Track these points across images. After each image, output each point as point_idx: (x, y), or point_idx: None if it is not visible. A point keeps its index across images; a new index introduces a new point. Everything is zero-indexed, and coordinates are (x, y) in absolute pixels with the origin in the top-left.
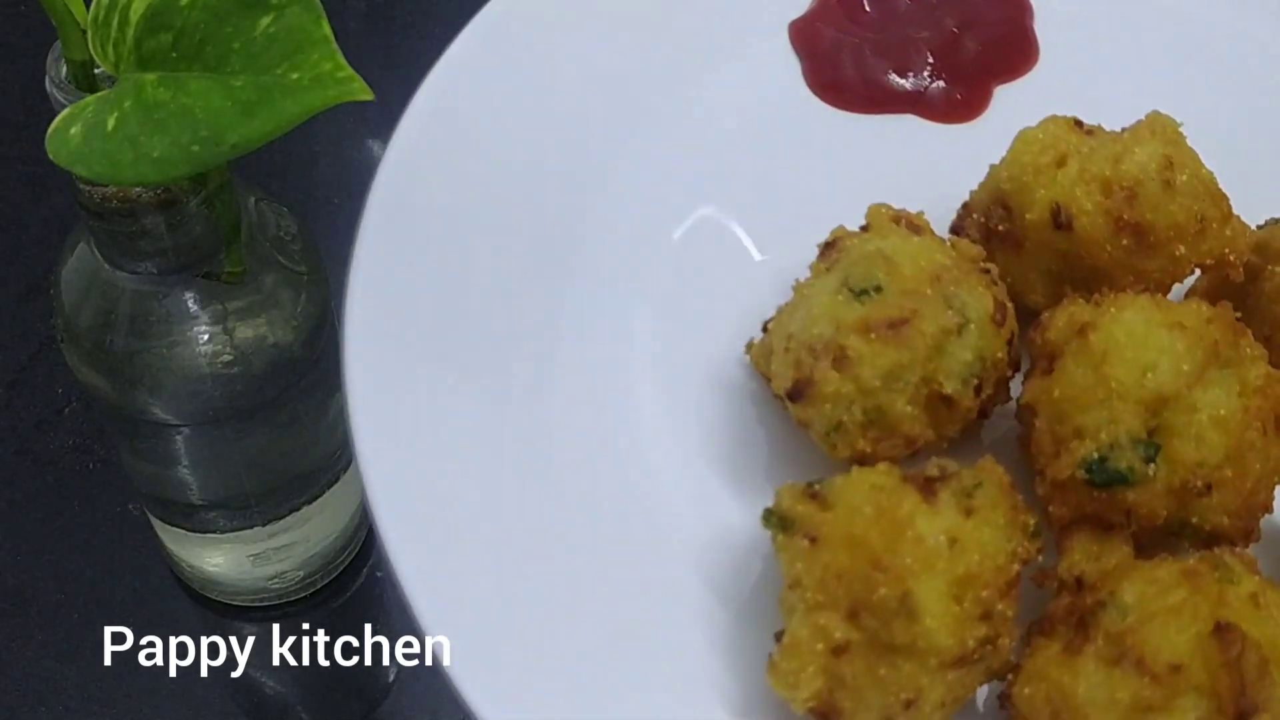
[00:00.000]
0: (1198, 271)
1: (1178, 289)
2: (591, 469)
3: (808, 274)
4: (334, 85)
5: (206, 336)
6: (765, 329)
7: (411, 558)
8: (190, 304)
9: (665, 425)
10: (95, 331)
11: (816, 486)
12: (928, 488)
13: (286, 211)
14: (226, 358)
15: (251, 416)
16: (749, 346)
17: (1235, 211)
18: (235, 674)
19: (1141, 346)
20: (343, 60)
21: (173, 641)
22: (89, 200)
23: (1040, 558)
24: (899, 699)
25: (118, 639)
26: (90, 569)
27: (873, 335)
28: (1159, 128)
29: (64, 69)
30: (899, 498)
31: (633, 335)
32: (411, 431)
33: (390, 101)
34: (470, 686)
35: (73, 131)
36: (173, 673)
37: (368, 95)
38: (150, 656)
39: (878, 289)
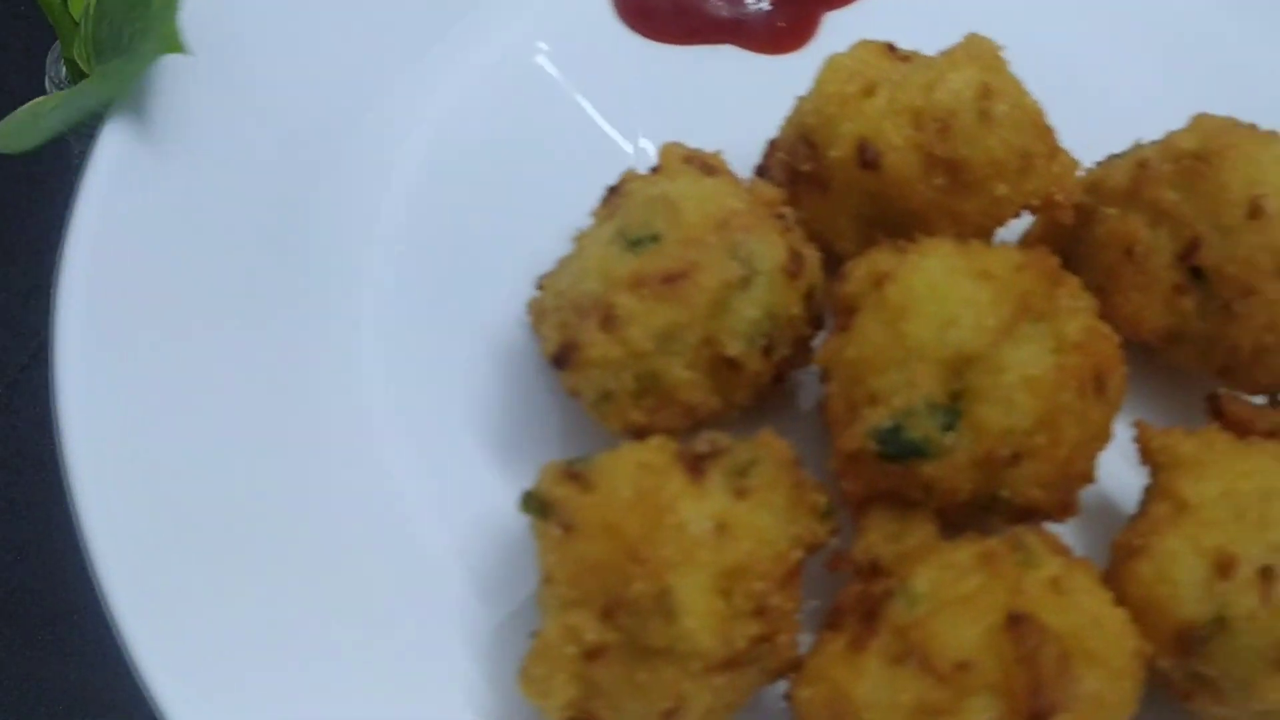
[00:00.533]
0: (1028, 216)
1: (1010, 235)
2: (335, 450)
3: (590, 222)
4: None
5: None
6: (540, 286)
7: (125, 579)
8: None
9: (425, 396)
10: None
11: (579, 465)
12: (696, 466)
13: None
14: None
15: None
16: (530, 305)
17: (1068, 148)
18: None
19: (942, 299)
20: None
21: None
22: None
23: (835, 539)
24: (659, 708)
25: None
26: (83, 572)
27: (645, 291)
28: (976, 51)
29: (63, 69)
30: (665, 479)
31: (388, 297)
32: (126, 424)
33: None
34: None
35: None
36: None
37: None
38: None
39: (655, 239)
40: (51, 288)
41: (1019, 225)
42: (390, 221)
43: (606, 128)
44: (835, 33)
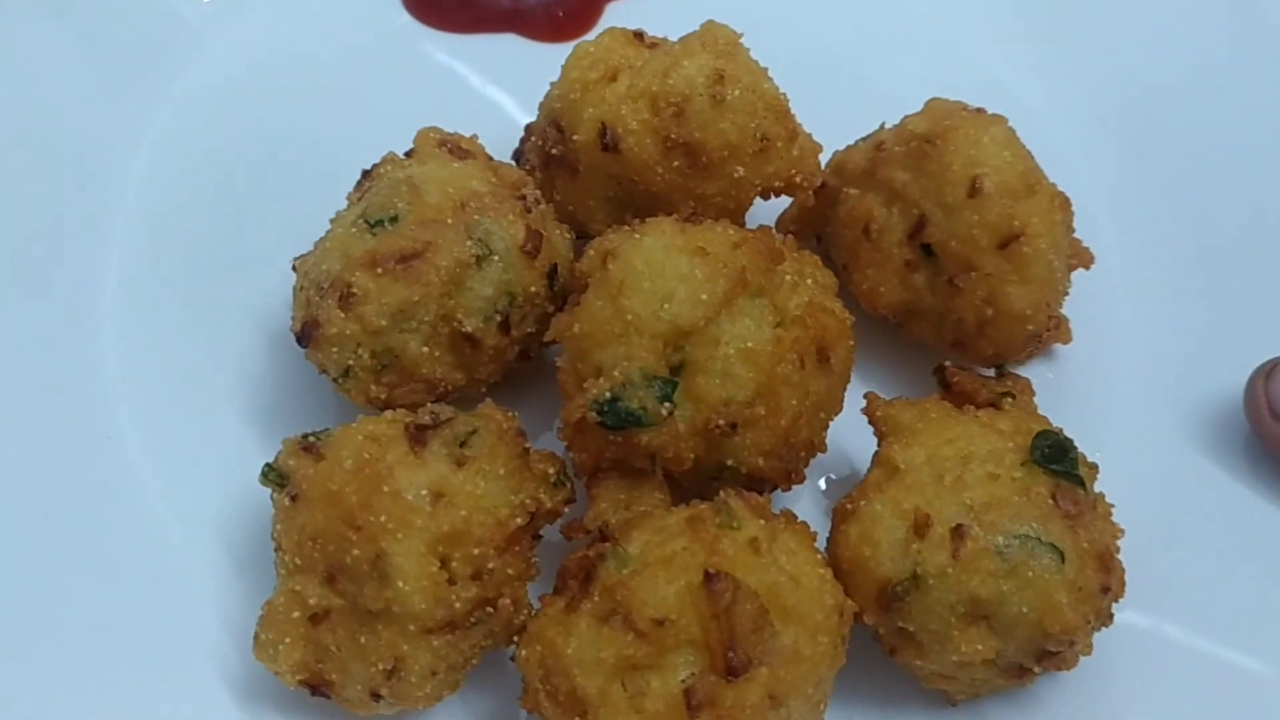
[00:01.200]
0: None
1: (769, 218)
2: (82, 428)
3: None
4: None
5: None
6: (294, 267)
7: None
8: None
9: (188, 377)
10: None
11: (314, 437)
12: (418, 437)
13: None
14: None
15: None
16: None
17: (822, 136)
18: None
19: (658, 275)
20: None
21: None
22: None
23: (569, 509)
24: (380, 668)
25: None
26: None
27: (380, 270)
28: (711, 38)
29: None
30: (387, 449)
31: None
32: None
33: None
34: None
35: None
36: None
37: None
38: None
39: (394, 219)
40: None
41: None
42: (153, 205)
43: (384, 114)
44: (618, 22)
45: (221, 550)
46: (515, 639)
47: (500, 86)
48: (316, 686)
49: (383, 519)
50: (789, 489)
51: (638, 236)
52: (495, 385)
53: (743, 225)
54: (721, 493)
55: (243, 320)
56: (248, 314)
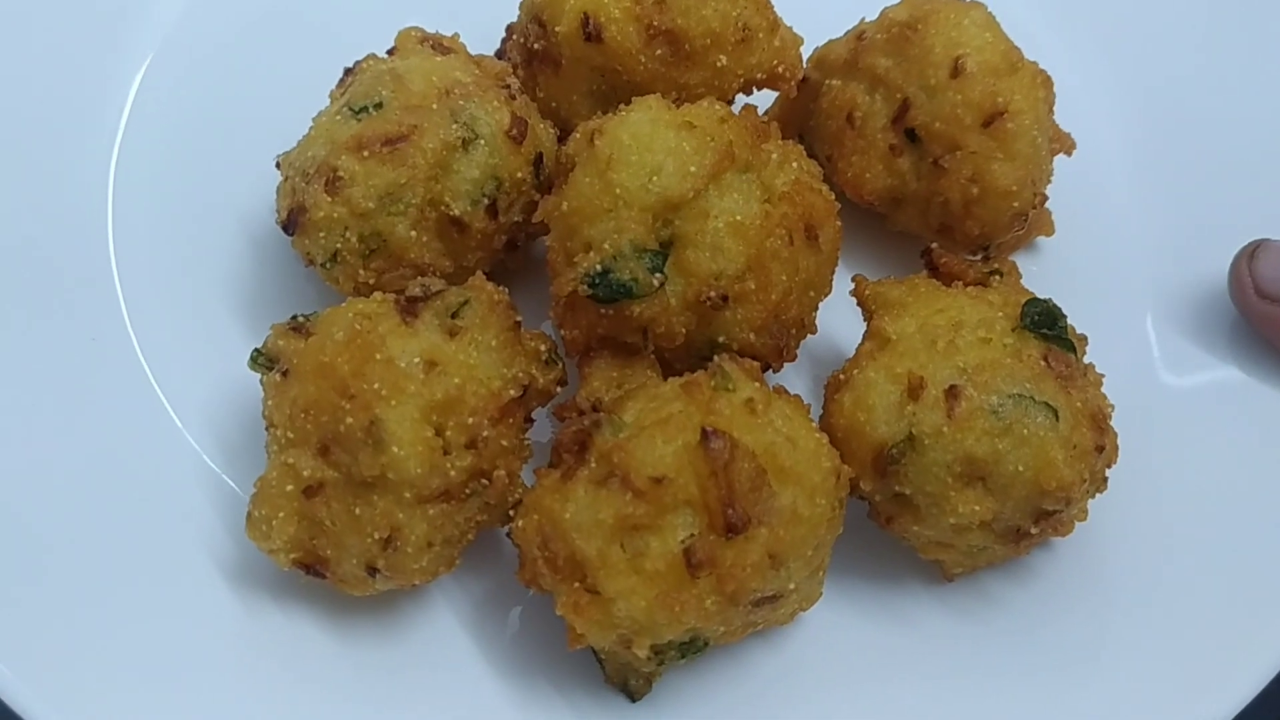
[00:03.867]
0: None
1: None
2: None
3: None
4: None
5: None
6: (278, 164)
7: None
8: None
9: (179, 280)
10: None
11: (303, 318)
12: (409, 309)
13: None
14: None
15: None
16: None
17: (803, 32)
18: None
19: (646, 148)
20: None
21: None
22: None
23: (562, 389)
24: (376, 539)
25: None
26: None
27: (365, 154)
28: None
29: None
30: (377, 322)
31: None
32: None
33: None
34: None
35: None
36: None
37: None
38: None
39: (378, 106)
40: None
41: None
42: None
43: (362, 18)
44: None
45: (212, 441)
46: (511, 515)
47: None
48: (311, 565)
49: (375, 386)
50: (780, 367)
51: (623, 114)
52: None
53: None
54: (716, 358)
55: (229, 223)
56: (234, 217)
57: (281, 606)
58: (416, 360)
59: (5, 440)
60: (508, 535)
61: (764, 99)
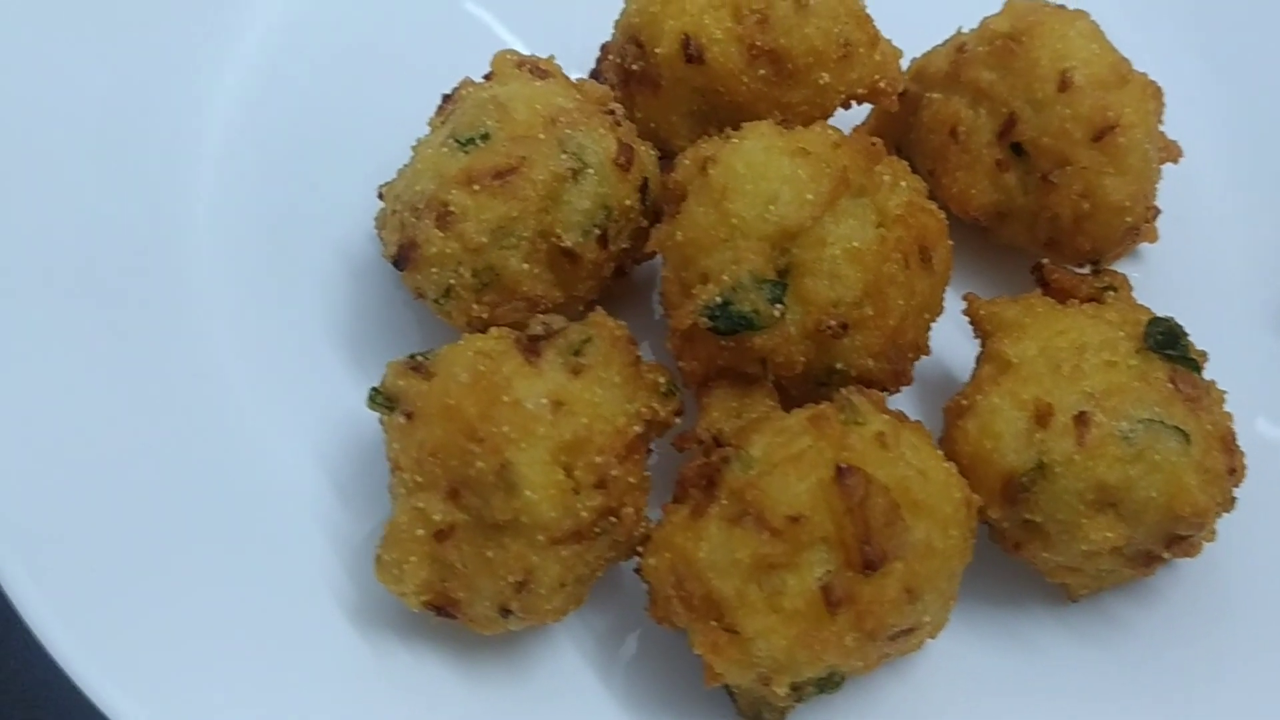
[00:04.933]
0: (863, 109)
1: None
2: (185, 365)
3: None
4: None
5: None
6: (380, 195)
7: None
8: None
9: (278, 317)
10: None
11: (421, 358)
12: (531, 348)
13: None
14: None
15: None
16: (377, 218)
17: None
18: None
19: (762, 177)
20: None
21: None
22: None
23: (680, 420)
24: (509, 581)
25: None
26: None
27: (477, 187)
28: None
29: None
30: (501, 362)
31: (219, 209)
32: None
33: None
34: (50, 626)
35: None
36: None
37: None
38: None
39: (485, 137)
40: None
41: (855, 119)
42: (234, 138)
43: (447, 41)
44: None
45: (324, 478)
46: (638, 550)
47: (562, 12)
48: (442, 607)
49: (505, 429)
50: (897, 391)
51: (736, 140)
52: (590, 303)
53: None
54: (843, 390)
55: (326, 254)
56: (331, 248)
57: (408, 646)
58: (544, 401)
59: (118, 484)
60: (636, 571)
61: (852, 113)
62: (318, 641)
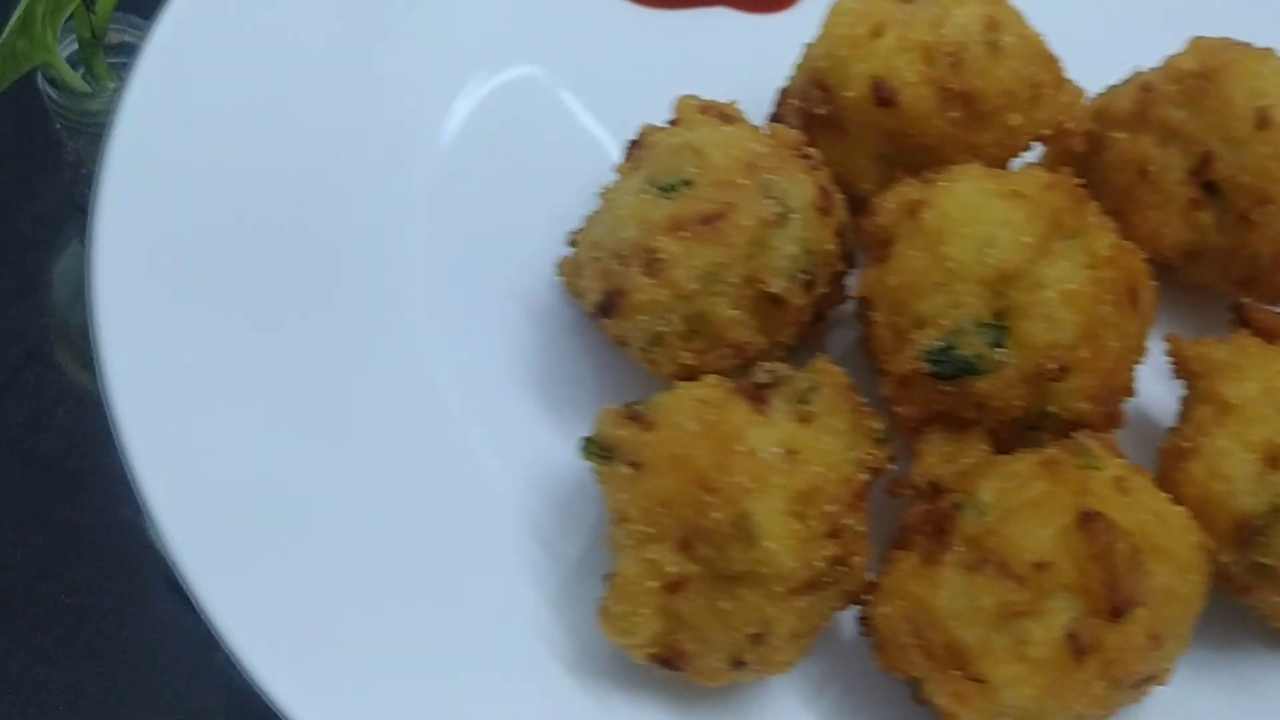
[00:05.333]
0: (1037, 148)
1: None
2: (385, 424)
3: (616, 179)
4: None
5: None
6: (572, 242)
7: (192, 549)
8: None
9: (470, 365)
10: (88, 331)
11: (638, 407)
12: (757, 396)
13: None
14: None
15: None
16: (560, 265)
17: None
18: (230, 678)
19: (977, 220)
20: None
21: (166, 645)
22: (82, 198)
23: (892, 466)
24: (745, 634)
25: (110, 642)
26: (83, 572)
27: (684, 234)
28: None
29: None
30: (727, 410)
31: (422, 266)
32: (177, 390)
33: None
34: (273, 678)
35: None
36: (166, 676)
37: None
38: (143, 660)
39: (687, 183)
40: (44, 287)
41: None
42: (421, 191)
43: (614, 89)
44: None
45: (524, 527)
46: (862, 601)
47: (725, 58)
48: (669, 659)
49: (740, 478)
50: (1109, 433)
51: (946, 184)
52: (788, 347)
53: None
54: (1077, 434)
55: (511, 300)
56: (514, 293)
57: (627, 695)
58: (777, 450)
59: (331, 535)
60: (860, 620)
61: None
62: (538, 693)
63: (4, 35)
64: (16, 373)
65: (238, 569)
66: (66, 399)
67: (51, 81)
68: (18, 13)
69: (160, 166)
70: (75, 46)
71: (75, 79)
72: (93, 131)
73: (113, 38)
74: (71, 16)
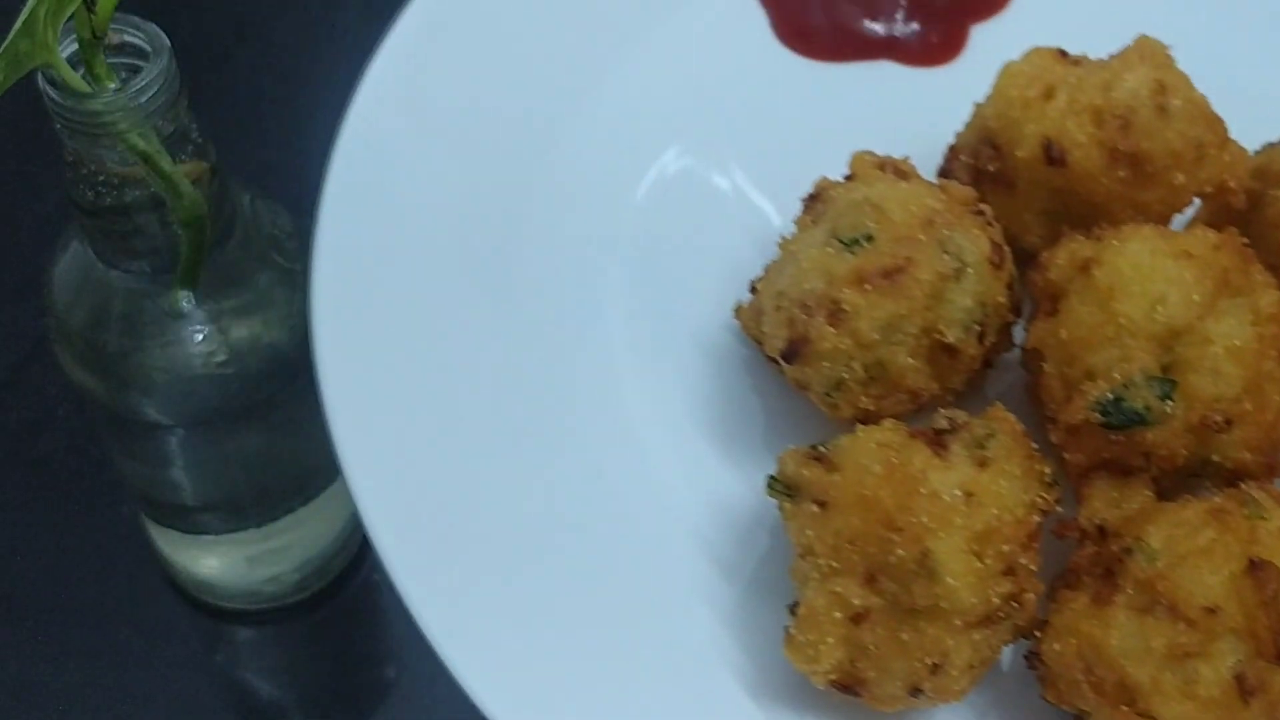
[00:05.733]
0: (1196, 202)
1: (1177, 222)
2: (579, 450)
3: (793, 230)
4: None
5: (200, 336)
6: (753, 290)
7: (405, 558)
8: (184, 302)
9: (653, 399)
10: (88, 331)
11: (822, 449)
12: (938, 441)
13: (282, 209)
14: (220, 358)
15: (245, 417)
16: (737, 310)
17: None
18: (230, 678)
19: (1149, 279)
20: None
21: (166, 645)
22: (82, 198)
23: (1059, 508)
24: (925, 664)
25: (110, 642)
26: (83, 571)
27: (868, 286)
28: (1148, 52)
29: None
30: (909, 453)
31: (608, 306)
32: (390, 420)
33: None
34: (477, 683)
35: None
36: (166, 676)
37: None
38: (143, 660)
39: (869, 238)
40: (44, 287)
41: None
42: (618, 243)
43: (786, 141)
44: (982, 44)
45: (706, 559)
46: (1031, 636)
47: (893, 111)
48: (849, 685)
49: (923, 519)
50: (1270, 482)
51: (1117, 243)
52: (957, 392)
53: None
54: (1244, 485)
55: (689, 345)
56: (692, 337)
57: (799, 715)
58: (958, 492)
59: (530, 548)
60: (1029, 656)
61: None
62: (714, 707)
63: (9, 38)
64: (17, 373)
65: (449, 584)
66: (67, 399)
67: (51, 82)
68: (23, 15)
69: (382, 210)
70: (75, 47)
71: (76, 79)
72: (93, 132)
73: (113, 38)
74: (71, 17)
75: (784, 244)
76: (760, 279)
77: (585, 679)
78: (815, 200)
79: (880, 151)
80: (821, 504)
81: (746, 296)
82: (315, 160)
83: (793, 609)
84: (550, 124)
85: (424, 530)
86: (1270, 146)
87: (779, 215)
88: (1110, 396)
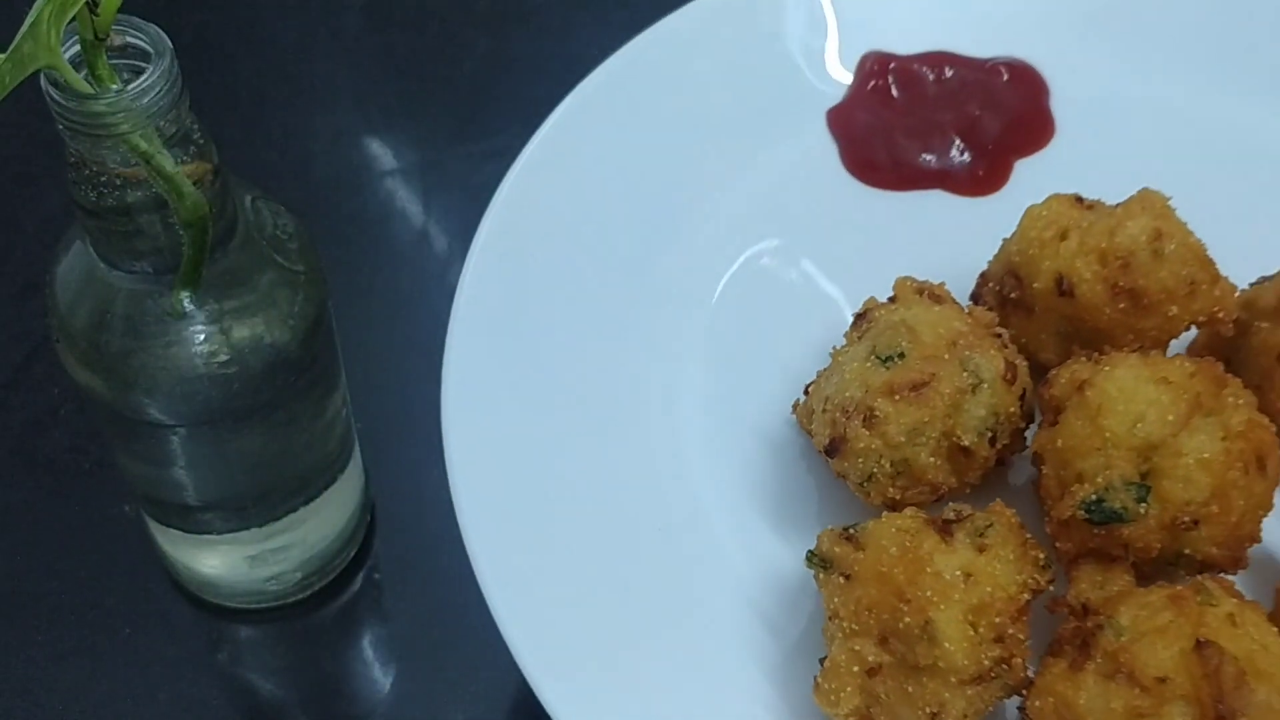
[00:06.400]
0: (1195, 328)
1: (1179, 342)
2: (656, 524)
3: (843, 342)
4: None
5: (202, 336)
6: (807, 391)
7: (508, 603)
8: (185, 303)
9: (721, 479)
10: (90, 331)
11: (851, 530)
12: (945, 529)
13: (284, 210)
14: (222, 358)
15: (247, 417)
16: (795, 407)
17: (1227, 274)
18: (231, 676)
19: (1131, 400)
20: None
21: (168, 644)
22: (84, 198)
23: (1052, 587)
24: (926, 712)
25: (112, 641)
26: (85, 570)
27: (897, 397)
28: (1149, 203)
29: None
30: (920, 539)
31: (689, 398)
32: (507, 486)
33: (388, 99)
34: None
35: None
36: (168, 675)
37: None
38: (145, 659)
39: (901, 355)
40: (46, 287)
41: (1187, 336)
42: (694, 340)
43: (845, 259)
44: (1025, 178)
45: (755, 616)
46: (1019, 692)
47: (939, 236)
48: None
49: (928, 593)
50: (1235, 574)
51: (1107, 369)
52: (974, 486)
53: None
54: (1199, 577)
55: (750, 437)
56: (753, 430)
57: None
58: (958, 572)
59: (605, 586)
60: (1020, 709)
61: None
62: None
63: (15, 41)
64: (19, 373)
65: (531, 597)
66: (69, 399)
67: (54, 83)
68: (30, 17)
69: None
70: (78, 48)
71: (78, 81)
72: (95, 133)
73: (115, 39)
74: (74, 18)
75: (835, 353)
76: (813, 383)
77: (648, 711)
78: (862, 318)
79: (928, 272)
80: (847, 576)
81: (803, 397)
82: (316, 161)
83: (823, 662)
84: (648, 238)
85: (534, 589)
86: (1258, 282)
87: (834, 325)
88: (1094, 497)
